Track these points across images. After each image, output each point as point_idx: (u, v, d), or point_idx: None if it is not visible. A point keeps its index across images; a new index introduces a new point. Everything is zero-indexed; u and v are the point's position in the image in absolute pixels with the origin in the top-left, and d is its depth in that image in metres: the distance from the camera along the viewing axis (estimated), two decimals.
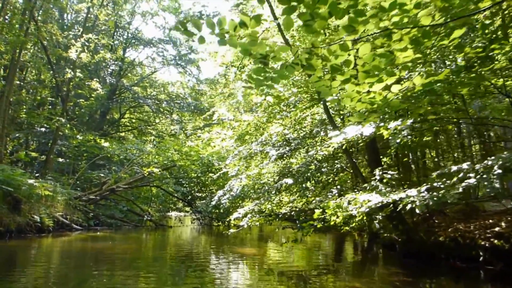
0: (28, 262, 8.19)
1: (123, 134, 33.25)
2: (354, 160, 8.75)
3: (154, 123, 36.20)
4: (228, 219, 20.53)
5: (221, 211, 19.17)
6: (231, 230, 9.93)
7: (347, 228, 6.80)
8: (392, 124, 5.38)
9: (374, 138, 8.84)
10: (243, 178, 12.68)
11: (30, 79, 23.63)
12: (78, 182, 18.90)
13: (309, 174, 9.00)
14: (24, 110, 21.98)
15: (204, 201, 18.99)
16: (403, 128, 5.32)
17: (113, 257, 8.69)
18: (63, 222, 14.46)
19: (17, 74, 24.20)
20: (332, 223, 6.37)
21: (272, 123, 12.26)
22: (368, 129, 5.94)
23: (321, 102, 8.73)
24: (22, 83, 22.57)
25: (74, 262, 8.34)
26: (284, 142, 9.96)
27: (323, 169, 9.11)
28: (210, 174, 19.54)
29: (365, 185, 6.35)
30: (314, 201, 9.07)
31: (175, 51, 33.56)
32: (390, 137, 5.42)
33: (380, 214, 5.64)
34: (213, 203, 15.17)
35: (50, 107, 24.57)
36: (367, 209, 5.34)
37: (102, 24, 29.35)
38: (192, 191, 21.01)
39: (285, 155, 9.57)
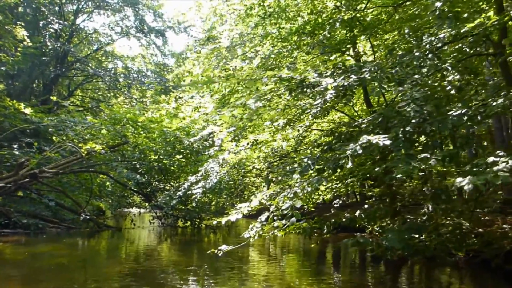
0: None
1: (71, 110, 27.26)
2: None
3: (109, 103, 30.43)
4: (199, 220, 15.55)
5: (192, 206, 14.11)
6: (224, 247, 4.82)
7: None
8: None
9: None
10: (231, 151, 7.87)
11: None
12: None
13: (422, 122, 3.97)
14: None
15: (167, 192, 13.77)
16: None
17: None
18: None
19: None
20: None
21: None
22: None
23: None
24: None
25: None
26: (340, 72, 4.96)
27: (452, 114, 3.95)
28: (177, 157, 14.28)
29: None
30: None
31: (135, 18, 28.00)
32: None
33: None
34: (180, 193, 10.71)
35: None
36: None
37: None
38: (152, 180, 15.65)
39: (347, 93, 4.65)
